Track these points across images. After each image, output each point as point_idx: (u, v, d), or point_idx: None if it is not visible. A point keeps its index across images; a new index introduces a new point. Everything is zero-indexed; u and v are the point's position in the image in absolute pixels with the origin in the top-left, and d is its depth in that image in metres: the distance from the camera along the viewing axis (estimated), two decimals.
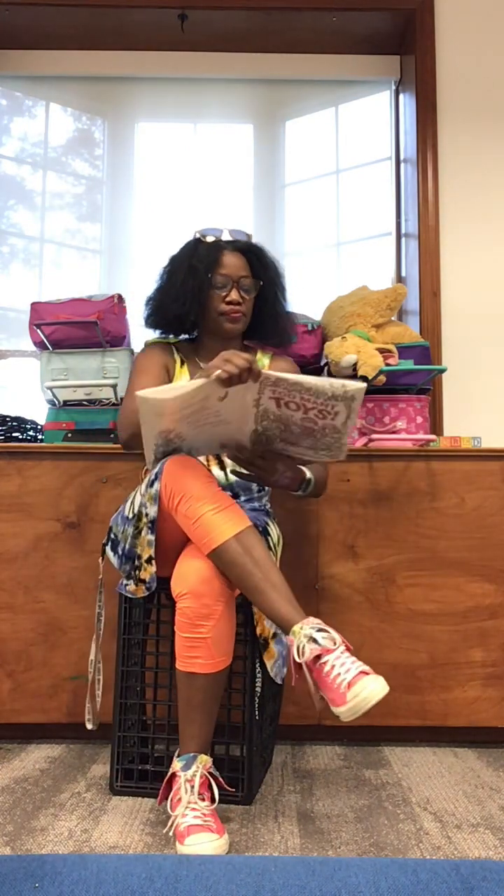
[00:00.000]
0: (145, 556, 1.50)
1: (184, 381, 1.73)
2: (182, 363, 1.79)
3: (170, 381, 1.76)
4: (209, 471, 1.59)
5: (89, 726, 1.68)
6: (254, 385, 1.39)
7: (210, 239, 1.75)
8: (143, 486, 1.52)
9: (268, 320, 1.81)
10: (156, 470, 1.49)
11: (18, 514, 1.93)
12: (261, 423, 1.47)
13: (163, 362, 1.77)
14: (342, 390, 1.39)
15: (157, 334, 1.83)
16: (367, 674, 1.29)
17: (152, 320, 1.79)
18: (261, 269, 1.77)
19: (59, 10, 2.77)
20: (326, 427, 1.46)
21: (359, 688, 1.27)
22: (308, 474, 1.62)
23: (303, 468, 1.62)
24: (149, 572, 1.50)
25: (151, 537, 1.48)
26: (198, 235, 1.78)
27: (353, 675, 1.28)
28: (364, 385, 1.41)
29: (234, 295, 1.71)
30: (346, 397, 1.40)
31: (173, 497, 1.43)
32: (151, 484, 1.48)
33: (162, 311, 1.75)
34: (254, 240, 1.80)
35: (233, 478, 1.69)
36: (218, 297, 1.72)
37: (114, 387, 2.11)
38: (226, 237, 1.76)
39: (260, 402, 1.43)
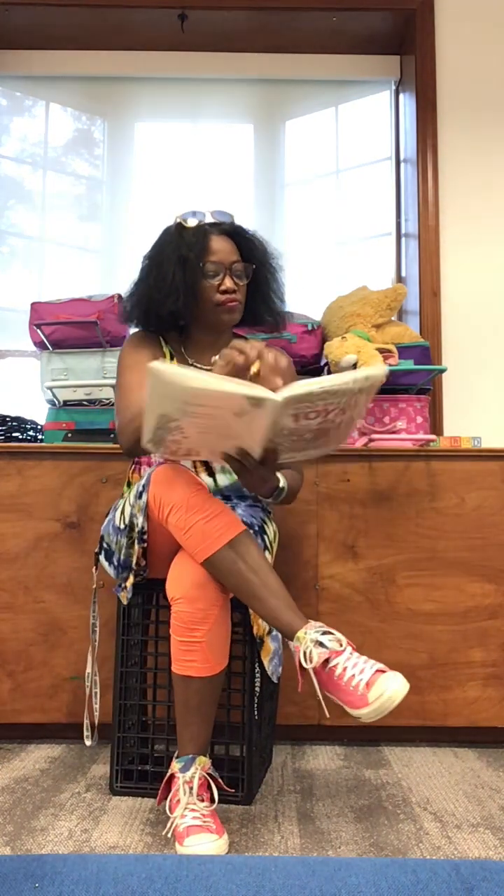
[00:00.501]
0: (134, 564, 1.49)
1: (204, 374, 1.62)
2: (171, 357, 1.69)
3: None
4: (198, 477, 1.57)
5: (88, 743, 1.66)
6: (272, 410, 1.29)
7: (193, 222, 1.61)
8: (132, 496, 1.49)
9: (260, 305, 1.71)
10: (143, 481, 1.46)
11: (18, 514, 1.93)
12: (272, 441, 1.39)
13: (154, 356, 1.66)
14: (367, 383, 1.30)
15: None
16: (383, 672, 1.27)
17: (139, 318, 1.66)
18: (250, 251, 1.65)
19: (59, 10, 2.77)
20: (343, 422, 1.37)
21: (380, 687, 1.24)
22: (282, 482, 1.53)
23: (278, 475, 1.53)
24: (130, 581, 1.50)
25: (139, 547, 1.47)
26: (179, 220, 1.63)
27: (369, 675, 1.26)
28: (385, 368, 1.32)
29: (228, 283, 1.59)
30: (367, 386, 1.32)
31: (163, 508, 1.40)
32: (140, 495, 1.45)
33: (154, 308, 1.61)
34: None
35: (222, 483, 1.63)
36: (211, 286, 1.59)
37: (114, 387, 2.11)
38: (209, 220, 1.63)
39: (277, 424, 1.34)
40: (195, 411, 1.27)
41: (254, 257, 1.66)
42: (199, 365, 1.69)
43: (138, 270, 1.66)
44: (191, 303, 1.60)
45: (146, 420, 1.32)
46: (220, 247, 1.60)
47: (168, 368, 1.20)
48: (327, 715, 1.35)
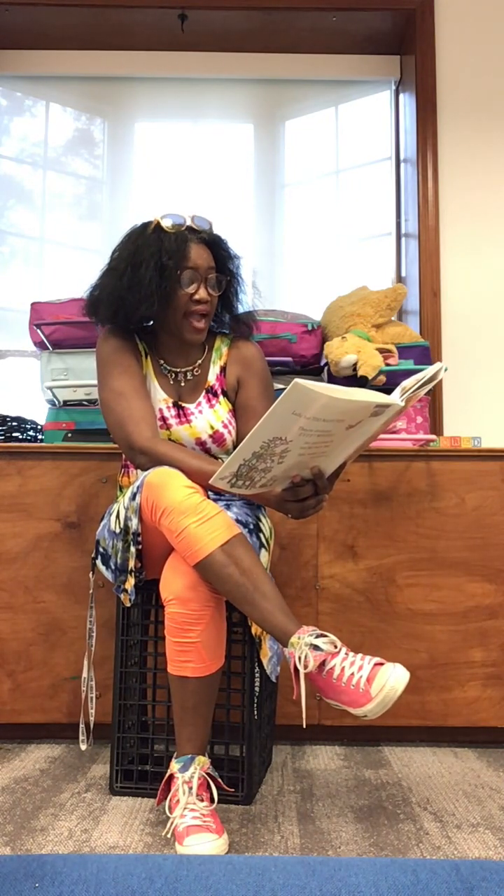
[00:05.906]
0: (130, 567, 1.49)
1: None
2: (146, 354, 1.67)
3: (143, 373, 1.65)
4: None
5: (83, 747, 1.67)
6: (389, 414, 1.28)
7: (172, 226, 1.57)
8: (126, 498, 1.49)
9: (226, 313, 1.71)
10: (137, 482, 1.46)
11: (18, 514, 1.93)
12: (350, 457, 1.39)
13: (135, 354, 1.63)
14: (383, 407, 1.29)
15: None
16: (382, 664, 1.27)
17: (106, 316, 1.61)
18: (224, 261, 1.63)
19: (58, 10, 2.77)
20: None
21: (381, 679, 1.24)
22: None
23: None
24: (130, 583, 1.50)
25: (134, 549, 1.47)
26: (158, 221, 1.59)
27: (369, 670, 1.26)
28: (394, 404, 1.29)
29: (202, 293, 1.57)
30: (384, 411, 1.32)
31: (155, 511, 1.40)
32: (134, 496, 1.45)
33: (125, 310, 1.57)
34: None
35: None
36: (184, 294, 1.56)
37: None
38: (188, 224, 1.59)
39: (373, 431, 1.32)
40: (316, 428, 1.23)
41: (227, 268, 1.65)
42: (169, 367, 1.67)
43: (108, 264, 1.62)
44: (163, 309, 1.58)
45: (239, 453, 1.25)
46: (199, 255, 1.57)
47: (313, 383, 1.14)
48: (304, 725, 1.35)
